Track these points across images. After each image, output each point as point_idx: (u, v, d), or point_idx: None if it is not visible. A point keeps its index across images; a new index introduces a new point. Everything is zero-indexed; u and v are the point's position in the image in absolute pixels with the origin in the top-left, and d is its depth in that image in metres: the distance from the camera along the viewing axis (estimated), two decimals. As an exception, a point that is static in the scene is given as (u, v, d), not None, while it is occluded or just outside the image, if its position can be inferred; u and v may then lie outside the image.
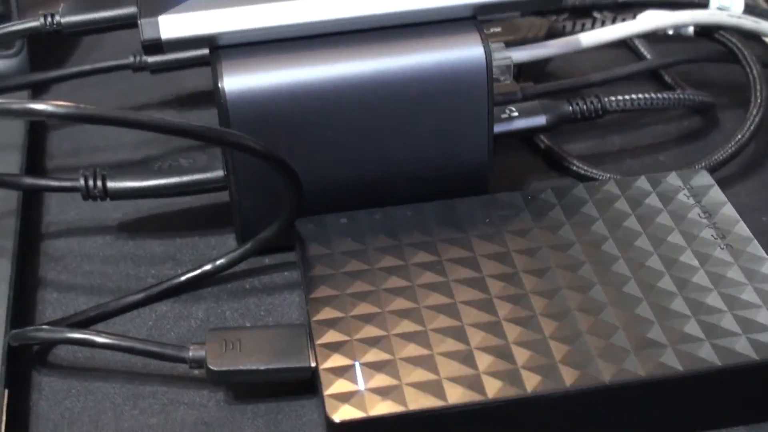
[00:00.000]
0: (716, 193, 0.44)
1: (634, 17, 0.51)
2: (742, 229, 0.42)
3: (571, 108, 0.48)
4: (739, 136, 0.48)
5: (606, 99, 0.48)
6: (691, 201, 0.44)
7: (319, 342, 0.38)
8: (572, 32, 0.52)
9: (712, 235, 0.42)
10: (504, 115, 0.47)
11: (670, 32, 0.51)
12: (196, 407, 0.40)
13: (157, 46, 0.43)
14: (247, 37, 0.43)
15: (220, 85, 0.42)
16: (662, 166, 0.50)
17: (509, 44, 0.49)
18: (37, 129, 0.54)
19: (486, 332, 0.38)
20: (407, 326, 0.39)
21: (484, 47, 0.43)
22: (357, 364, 0.37)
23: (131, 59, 0.53)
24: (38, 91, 0.57)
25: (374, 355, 0.38)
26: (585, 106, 0.48)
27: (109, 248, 0.47)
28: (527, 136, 0.48)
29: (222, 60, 0.43)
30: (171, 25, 0.42)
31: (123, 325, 0.43)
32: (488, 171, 0.45)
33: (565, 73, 0.55)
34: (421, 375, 0.37)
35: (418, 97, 0.43)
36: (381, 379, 0.37)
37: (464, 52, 0.43)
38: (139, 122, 0.37)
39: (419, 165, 0.45)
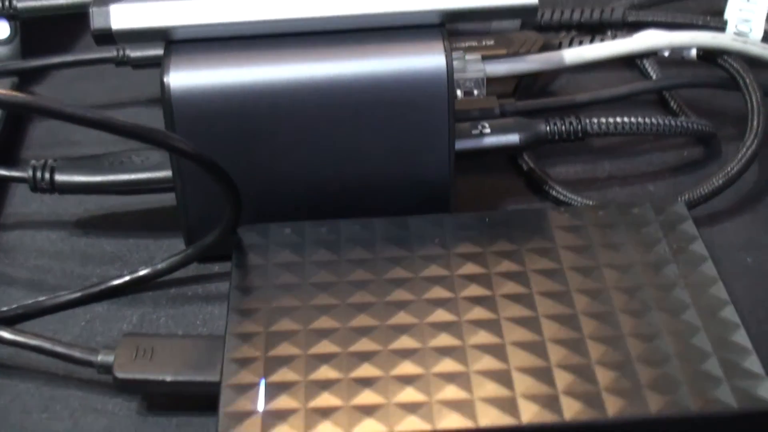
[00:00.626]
0: (689, 228, 0.41)
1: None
2: (709, 268, 0.39)
3: (547, 128, 0.45)
4: (728, 169, 0.44)
5: (587, 120, 0.45)
6: (660, 234, 0.40)
7: (228, 356, 0.36)
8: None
9: (673, 273, 0.38)
10: (475, 131, 0.45)
11: (666, 54, 0.47)
12: (106, 415, 0.38)
13: (107, 36, 0.41)
14: (202, 32, 0.42)
15: (165, 80, 0.40)
16: (650, 196, 0.46)
17: (499, 58, 0.46)
18: (20, 119, 0.53)
19: (412, 361, 0.35)
20: (326, 347, 0.36)
21: (446, 57, 0.41)
22: (262, 383, 0.35)
23: (114, 53, 0.51)
24: (30, 80, 0.55)
25: (283, 375, 0.35)
26: (563, 127, 0.45)
27: (60, 244, 0.46)
28: (502, 154, 0.45)
29: (171, 55, 0.41)
30: (122, 16, 0.41)
31: (54, 324, 0.41)
32: (450, 188, 0.43)
33: (567, 93, 0.52)
34: (328, 400, 0.34)
35: (373, 104, 0.41)
36: (284, 402, 0.34)
37: (424, 60, 0.41)
38: (59, 112, 0.36)
39: (375, 177, 0.42)
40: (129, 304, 0.42)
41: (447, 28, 0.49)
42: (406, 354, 0.36)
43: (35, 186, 0.43)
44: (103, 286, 0.42)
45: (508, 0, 0.42)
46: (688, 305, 0.37)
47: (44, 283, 0.44)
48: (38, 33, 0.56)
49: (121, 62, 0.52)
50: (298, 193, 0.42)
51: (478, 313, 0.37)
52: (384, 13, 0.41)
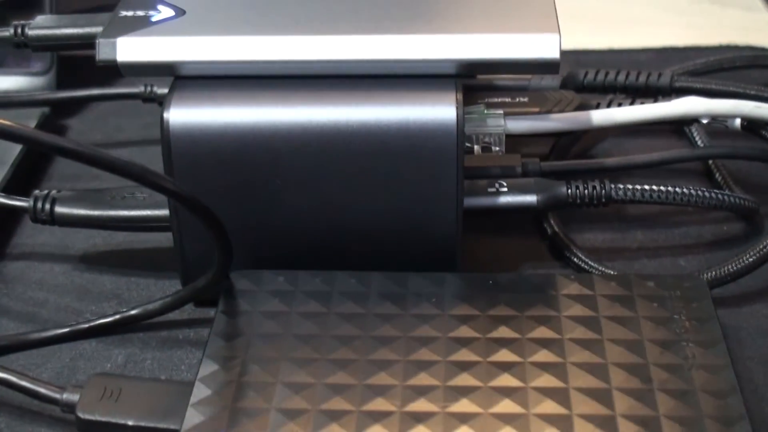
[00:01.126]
0: (706, 307, 0.38)
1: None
2: (720, 352, 0.36)
3: (568, 190, 0.42)
4: (762, 246, 0.41)
5: (612, 186, 0.42)
6: (673, 311, 0.37)
7: (192, 403, 0.34)
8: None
9: (681, 354, 0.36)
10: (491, 189, 0.42)
11: (705, 121, 0.44)
12: (68, 455, 0.36)
13: (112, 68, 0.40)
14: (210, 69, 0.40)
15: (165, 115, 0.39)
16: (678, 272, 0.43)
17: (524, 115, 0.44)
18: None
19: (383, 425, 0.33)
20: (296, 402, 0.34)
21: (456, 109, 0.38)
22: (221, 435, 0.33)
23: (141, 89, 0.50)
24: (63, 112, 0.55)
25: (246, 428, 0.33)
26: (586, 191, 0.42)
27: (61, 277, 0.44)
28: (519, 215, 0.43)
29: (175, 90, 0.40)
30: (128, 48, 0.40)
31: (38, 359, 0.40)
32: (456, 246, 0.40)
33: (602, 156, 0.50)
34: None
35: (378, 154, 0.39)
36: (241, 457, 0.32)
37: (434, 111, 0.39)
38: (42, 142, 0.34)
39: (377, 229, 0.40)
40: (117, 344, 0.41)
41: (482, 82, 0.47)
42: (378, 417, 0.33)
43: (35, 216, 0.42)
44: (92, 323, 0.41)
45: (527, 53, 0.39)
46: (692, 390, 0.34)
47: (37, 316, 0.43)
48: (80, 65, 0.55)
49: (148, 98, 0.51)
50: (297, 241, 0.41)
51: (463, 379, 0.35)
52: (397, 60, 0.39)
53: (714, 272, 0.41)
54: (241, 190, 0.40)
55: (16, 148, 0.49)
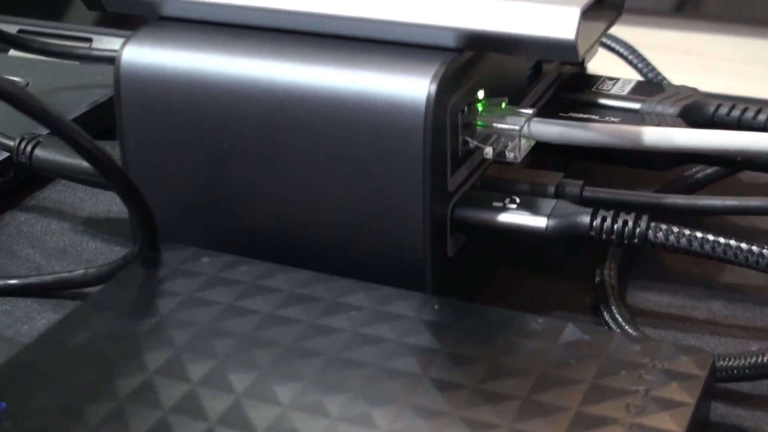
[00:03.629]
0: (690, 388, 0.27)
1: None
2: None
3: (592, 221, 0.32)
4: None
5: (653, 225, 0.32)
6: (644, 381, 0.27)
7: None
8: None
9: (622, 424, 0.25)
10: (497, 203, 0.33)
11: None
12: None
13: (96, 1, 0.36)
14: (192, 12, 0.34)
15: (119, 52, 0.34)
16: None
17: (555, 119, 0.34)
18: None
19: None
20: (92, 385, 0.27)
21: (430, 85, 0.30)
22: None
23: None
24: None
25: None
26: (615, 225, 0.32)
27: (50, 235, 0.40)
28: (522, 240, 0.33)
29: (142, 29, 0.34)
30: (112, -21, 0.35)
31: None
32: (425, 260, 0.32)
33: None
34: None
35: (336, 127, 0.31)
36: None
37: (402, 85, 0.31)
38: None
39: (329, 221, 0.33)
40: (52, 307, 0.36)
41: (584, 98, 0.38)
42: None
43: (16, 156, 0.38)
44: (19, 282, 0.36)
45: (539, 30, 0.30)
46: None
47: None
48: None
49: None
50: (243, 220, 0.34)
51: (326, 401, 0.26)
52: (389, 22, 0.32)
53: (730, 361, 0.30)
54: (187, 149, 0.33)
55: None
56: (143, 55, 0.33)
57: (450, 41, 0.31)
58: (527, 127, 0.33)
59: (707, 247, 0.31)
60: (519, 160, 0.33)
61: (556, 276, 0.37)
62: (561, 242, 0.32)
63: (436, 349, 0.28)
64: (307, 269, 0.32)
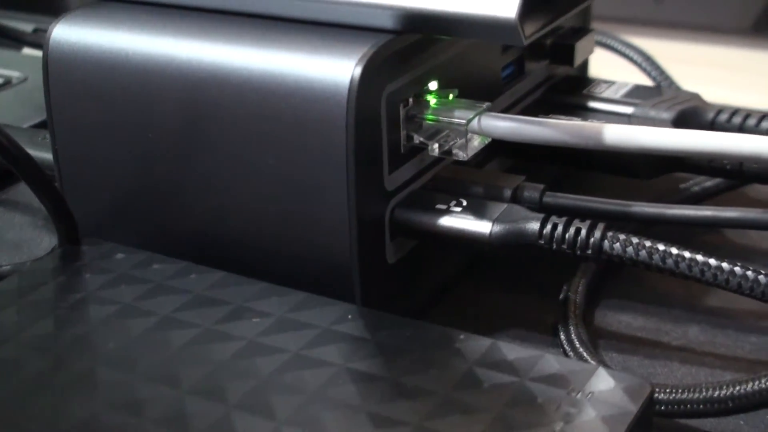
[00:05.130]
0: (615, 423, 0.22)
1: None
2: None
3: (542, 228, 0.27)
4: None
5: (610, 234, 0.27)
6: (562, 416, 0.22)
7: None
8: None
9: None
10: (441, 205, 0.29)
11: None
12: None
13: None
14: (133, -8, 0.31)
15: (47, 32, 0.30)
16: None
17: (509, 114, 0.30)
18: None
19: None
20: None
21: (354, 69, 0.26)
22: None
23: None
24: None
25: None
26: (566, 234, 0.27)
27: (11, 229, 0.37)
28: (466, 246, 0.28)
29: (79, 9, 0.31)
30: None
31: None
32: (354, 267, 0.27)
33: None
34: None
35: (261, 117, 0.28)
36: None
37: (326, 68, 0.27)
38: None
39: (259, 220, 0.29)
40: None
41: (576, 100, 0.34)
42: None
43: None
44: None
45: (478, 8, 0.26)
46: None
47: None
48: None
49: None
50: (170, 209, 0.30)
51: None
52: (322, 1, 0.28)
53: (670, 393, 0.25)
54: (113, 137, 0.30)
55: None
56: (71, 35, 0.30)
57: (385, 21, 0.27)
58: (477, 122, 0.28)
59: (670, 261, 0.26)
60: (467, 158, 0.28)
61: (527, 291, 0.32)
62: (508, 251, 0.28)
63: (334, 363, 0.24)
64: (232, 269, 0.28)
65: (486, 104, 0.29)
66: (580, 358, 0.28)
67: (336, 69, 0.26)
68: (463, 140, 0.28)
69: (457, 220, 0.28)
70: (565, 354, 0.28)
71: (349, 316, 0.26)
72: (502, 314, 0.31)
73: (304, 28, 0.28)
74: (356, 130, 0.26)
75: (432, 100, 0.29)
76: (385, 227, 0.28)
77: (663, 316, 0.30)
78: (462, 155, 0.29)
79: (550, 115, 0.34)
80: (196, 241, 0.30)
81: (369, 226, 0.28)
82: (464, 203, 0.29)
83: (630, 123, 0.34)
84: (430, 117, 0.28)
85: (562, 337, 0.29)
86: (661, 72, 0.41)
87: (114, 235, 0.30)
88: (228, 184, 0.28)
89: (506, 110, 0.34)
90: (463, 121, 0.28)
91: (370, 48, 0.27)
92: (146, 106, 0.29)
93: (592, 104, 0.35)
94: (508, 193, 0.29)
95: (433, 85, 0.29)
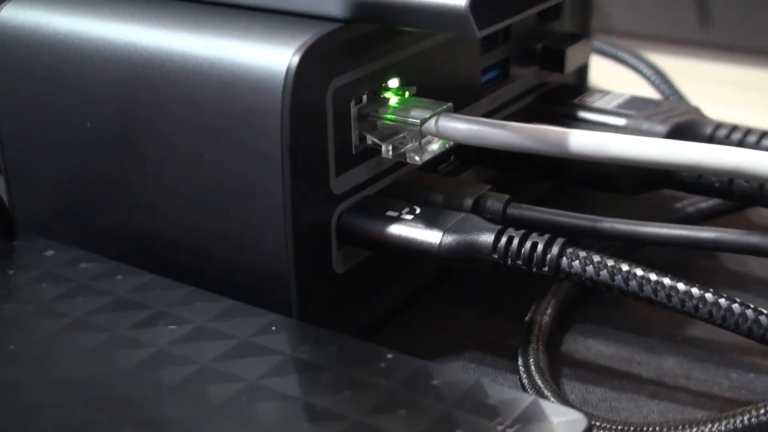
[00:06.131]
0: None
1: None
2: None
3: (496, 242, 0.24)
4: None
5: (569, 251, 0.24)
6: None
7: None
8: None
9: None
10: (392, 212, 0.26)
11: None
12: None
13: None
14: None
15: (-1, 13, 0.28)
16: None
17: (468, 115, 0.27)
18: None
19: None
20: None
21: (291, 59, 0.23)
22: None
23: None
24: None
25: None
26: (522, 249, 0.24)
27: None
28: (417, 258, 0.25)
29: (31, -10, 0.29)
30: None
31: None
32: (290, 275, 0.25)
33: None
34: None
35: (196, 107, 0.25)
36: None
37: (264, 58, 0.24)
38: None
39: (195, 220, 0.26)
40: None
41: (569, 110, 0.31)
42: None
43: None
44: None
45: (428, -5, 0.23)
46: None
47: None
48: None
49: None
50: (108, 205, 0.28)
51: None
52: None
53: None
54: (55, 124, 0.28)
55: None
56: (17, 17, 0.28)
57: (332, 9, 0.25)
58: (433, 124, 0.25)
59: (633, 284, 0.23)
60: (420, 162, 0.26)
61: (496, 309, 0.29)
62: (461, 265, 0.25)
63: (241, 378, 0.21)
64: (169, 271, 0.26)
65: (447, 104, 0.26)
66: (534, 386, 0.25)
67: (273, 57, 0.24)
68: (417, 143, 0.25)
69: (406, 229, 0.25)
70: (521, 381, 0.25)
71: (273, 328, 0.23)
72: (464, 333, 0.28)
73: (249, 14, 0.26)
74: (293, 124, 0.24)
75: (392, 98, 0.26)
76: (332, 234, 0.26)
77: (638, 345, 0.27)
78: (416, 158, 0.26)
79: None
80: (134, 240, 0.27)
81: (309, 232, 0.25)
82: (417, 211, 0.26)
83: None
84: (385, 116, 0.26)
85: (520, 362, 0.26)
86: (671, 86, 0.38)
87: (60, 231, 0.28)
88: (164, 178, 0.26)
89: (486, 117, 0.31)
90: (417, 121, 0.25)
91: (312, 36, 0.24)
92: (84, 93, 0.27)
93: (583, 114, 0.32)
94: (469, 202, 0.26)
95: (393, 83, 0.26)
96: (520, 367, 0.25)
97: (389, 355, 0.22)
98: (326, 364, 0.22)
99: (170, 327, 0.23)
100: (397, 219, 0.26)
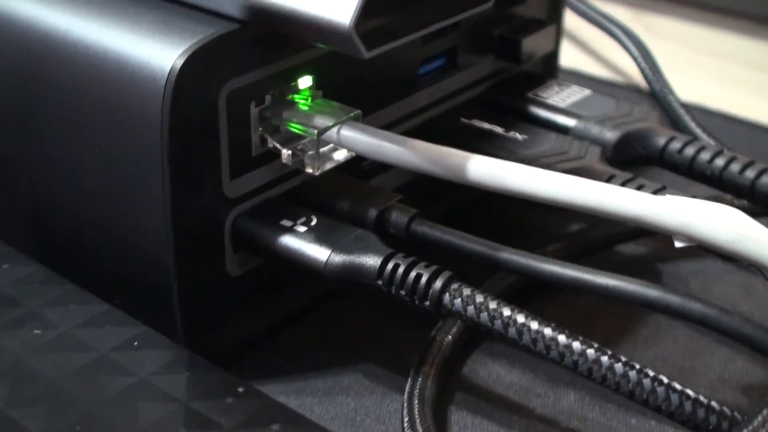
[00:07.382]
0: None
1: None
2: None
3: (379, 267, 0.23)
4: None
5: (453, 287, 0.22)
6: None
7: None
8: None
9: None
10: (286, 222, 0.24)
11: (679, 244, 0.22)
12: None
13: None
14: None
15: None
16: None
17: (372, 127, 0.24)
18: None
19: None
20: None
21: (175, 63, 0.22)
22: None
23: None
24: None
25: None
26: (406, 279, 0.23)
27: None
28: (304, 276, 0.24)
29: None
30: None
31: None
32: (170, 278, 0.24)
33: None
34: None
35: (86, 101, 0.24)
36: None
37: (151, 55, 0.22)
38: None
39: (85, 215, 0.25)
40: None
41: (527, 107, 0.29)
42: None
43: None
44: None
45: (315, 8, 0.21)
46: None
47: None
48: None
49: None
50: (14, 194, 0.26)
51: None
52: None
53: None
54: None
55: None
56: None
57: (232, 9, 0.23)
58: (335, 133, 0.23)
59: (512, 331, 0.22)
60: (317, 173, 0.24)
61: (412, 319, 0.27)
62: (346, 287, 0.23)
63: (80, 404, 0.20)
64: (61, 266, 0.25)
65: (355, 112, 0.24)
66: (410, 416, 0.23)
67: (158, 57, 0.22)
68: (314, 152, 0.24)
69: (296, 242, 0.24)
70: (402, 407, 0.24)
71: (135, 343, 0.22)
72: (366, 343, 0.26)
73: (158, 6, 0.24)
74: (174, 129, 0.22)
75: (301, 100, 0.24)
76: (225, 237, 0.24)
77: (542, 375, 0.26)
78: (310, 170, 0.24)
79: (473, 121, 0.29)
80: (31, 226, 0.26)
81: (195, 235, 0.24)
82: (313, 222, 0.24)
83: (569, 136, 0.29)
84: (286, 121, 0.24)
85: (408, 384, 0.24)
86: (657, 72, 0.35)
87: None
88: (59, 166, 0.25)
89: (426, 109, 0.29)
90: (314, 131, 0.24)
91: (204, 38, 0.22)
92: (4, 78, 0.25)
93: (532, 109, 0.30)
94: (373, 213, 0.25)
95: (305, 83, 0.25)
96: (405, 393, 0.24)
97: (240, 389, 0.21)
98: (173, 394, 0.21)
99: (35, 331, 0.22)
100: (290, 230, 0.24)
